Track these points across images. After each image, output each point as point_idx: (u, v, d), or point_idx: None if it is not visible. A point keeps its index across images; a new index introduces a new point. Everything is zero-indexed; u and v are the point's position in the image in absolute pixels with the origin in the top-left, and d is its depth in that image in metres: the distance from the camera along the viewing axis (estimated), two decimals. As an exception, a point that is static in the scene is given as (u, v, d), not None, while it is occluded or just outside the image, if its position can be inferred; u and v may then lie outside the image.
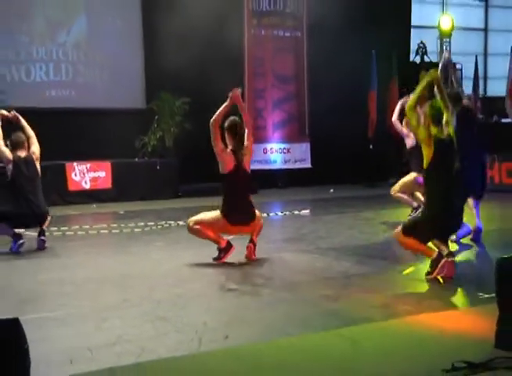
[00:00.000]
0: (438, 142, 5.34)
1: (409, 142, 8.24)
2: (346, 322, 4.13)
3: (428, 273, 5.32)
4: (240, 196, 6.14)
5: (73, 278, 5.57)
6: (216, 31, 12.08)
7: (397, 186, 8.38)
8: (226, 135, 6.15)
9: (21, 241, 6.84)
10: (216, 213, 6.12)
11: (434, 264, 5.28)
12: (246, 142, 6.19)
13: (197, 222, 6.12)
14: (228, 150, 6.11)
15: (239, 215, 6.09)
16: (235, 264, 6.03)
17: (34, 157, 7.01)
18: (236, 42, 12.66)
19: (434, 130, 5.36)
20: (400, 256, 6.13)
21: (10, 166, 6.89)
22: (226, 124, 6.16)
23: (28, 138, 7.07)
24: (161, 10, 12.09)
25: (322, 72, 13.56)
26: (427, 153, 5.36)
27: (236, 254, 6.15)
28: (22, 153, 6.95)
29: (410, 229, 5.39)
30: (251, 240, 6.21)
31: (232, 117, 6.22)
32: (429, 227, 5.35)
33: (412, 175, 8.16)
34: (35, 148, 7.06)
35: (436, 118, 5.39)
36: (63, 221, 8.98)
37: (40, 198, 6.98)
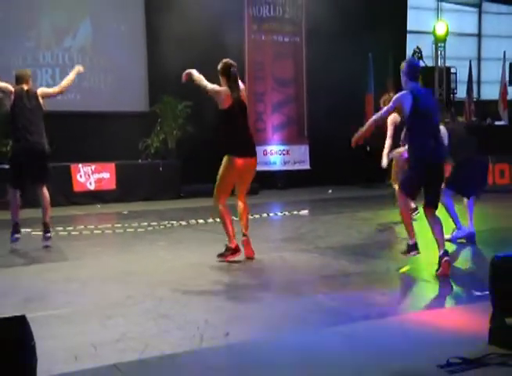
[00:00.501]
0: (417, 90, 5.45)
1: (394, 118, 8.02)
2: (344, 319, 4.19)
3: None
4: (241, 128, 6.16)
5: (78, 276, 5.61)
6: (217, 36, 12.10)
7: (393, 176, 8.45)
8: (220, 77, 6.08)
9: (17, 236, 6.85)
10: (223, 162, 6.10)
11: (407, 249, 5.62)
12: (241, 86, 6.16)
13: (218, 197, 6.10)
14: (225, 86, 6.06)
15: (243, 145, 6.11)
16: (235, 263, 6.09)
17: (38, 92, 7.02)
18: (236, 47, 12.65)
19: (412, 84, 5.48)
20: (396, 255, 6.16)
21: (12, 97, 6.90)
22: (219, 66, 6.10)
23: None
24: (164, 15, 12.12)
25: (321, 76, 13.59)
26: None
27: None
28: (25, 87, 6.96)
29: (402, 183, 5.65)
30: (244, 235, 6.20)
31: (224, 60, 6.16)
32: (412, 171, 5.53)
33: (399, 151, 7.81)
34: (46, 89, 7.16)
35: (413, 75, 5.50)
36: (69, 221, 9.03)
37: (40, 131, 6.93)
